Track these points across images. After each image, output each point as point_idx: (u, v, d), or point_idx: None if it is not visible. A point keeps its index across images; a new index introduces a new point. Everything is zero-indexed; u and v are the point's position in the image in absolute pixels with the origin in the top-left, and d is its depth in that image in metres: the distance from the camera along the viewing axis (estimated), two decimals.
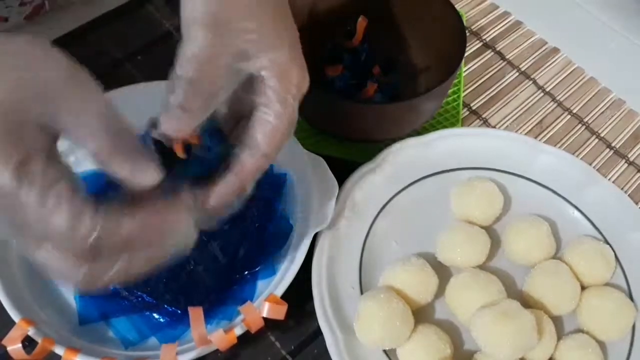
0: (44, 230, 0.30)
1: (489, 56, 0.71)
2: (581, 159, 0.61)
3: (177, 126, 0.36)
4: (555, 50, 0.72)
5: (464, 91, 0.67)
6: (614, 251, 0.54)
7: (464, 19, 0.73)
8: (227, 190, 0.38)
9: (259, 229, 0.53)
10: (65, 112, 0.32)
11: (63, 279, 0.33)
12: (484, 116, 0.66)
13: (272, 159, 0.38)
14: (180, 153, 0.36)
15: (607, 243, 0.55)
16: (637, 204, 0.59)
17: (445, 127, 0.63)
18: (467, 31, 0.69)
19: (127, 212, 0.32)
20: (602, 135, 0.66)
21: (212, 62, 0.36)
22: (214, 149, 0.38)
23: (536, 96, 0.68)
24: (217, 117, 0.40)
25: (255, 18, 0.37)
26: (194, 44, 0.36)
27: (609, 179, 0.61)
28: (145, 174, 0.33)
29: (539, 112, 0.67)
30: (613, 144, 0.65)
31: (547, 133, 0.65)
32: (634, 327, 0.51)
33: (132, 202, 0.33)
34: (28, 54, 0.32)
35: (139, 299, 0.49)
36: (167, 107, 0.36)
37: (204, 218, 0.37)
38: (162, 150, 0.37)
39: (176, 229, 0.34)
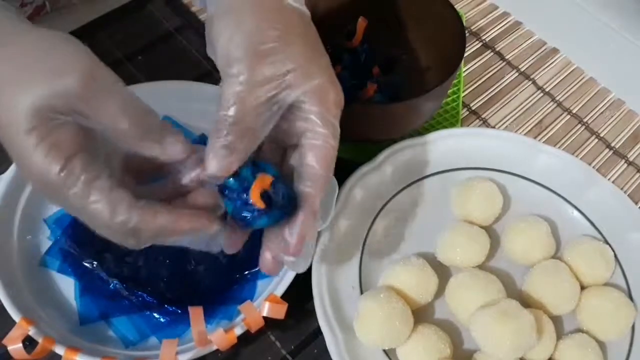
0: (90, 215, 0.34)
1: (488, 56, 0.71)
2: (581, 159, 0.61)
3: (224, 166, 0.36)
4: (555, 51, 0.72)
5: (463, 91, 0.67)
6: (613, 251, 0.54)
7: (464, 20, 0.73)
8: (308, 226, 0.38)
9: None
10: (93, 104, 0.34)
11: (116, 242, 0.36)
12: (483, 116, 0.66)
13: (329, 179, 0.39)
14: (259, 203, 0.37)
15: (607, 243, 0.55)
16: (636, 203, 0.59)
17: (445, 127, 0.63)
18: (466, 31, 0.69)
19: (163, 209, 0.35)
20: (601, 135, 0.66)
21: (254, 99, 0.36)
22: (283, 193, 0.38)
23: (536, 96, 0.68)
24: (266, 154, 0.41)
25: (290, 48, 0.37)
26: (234, 83, 0.36)
27: (609, 179, 0.62)
28: (174, 149, 0.36)
29: (539, 112, 0.67)
30: (612, 144, 0.65)
31: (546, 133, 0.66)
32: (633, 327, 0.51)
33: (175, 188, 0.38)
34: (56, 51, 0.34)
35: (140, 298, 0.49)
36: (213, 148, 0.36)
37: (293, 262, 0.39)
38: (237, 211, 0.37)
39: (200, 231, 0.37)
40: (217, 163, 0.36)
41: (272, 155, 0.42)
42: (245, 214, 0.37)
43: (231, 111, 0.36)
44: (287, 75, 0.37)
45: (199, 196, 0.39)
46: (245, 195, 0.37)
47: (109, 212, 0.34)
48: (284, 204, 0.37)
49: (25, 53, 0.34)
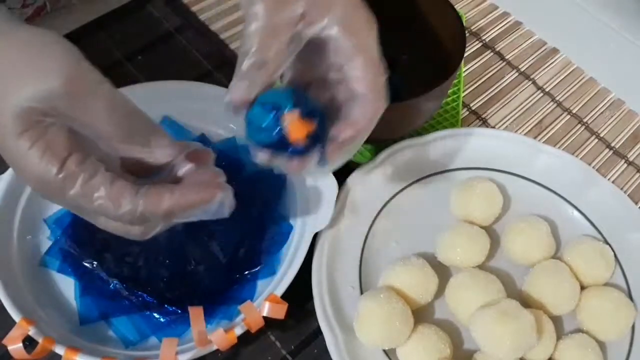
0: (95, 211, 0.35)
1: (488, 56, 0.71)
2: (581, 159, 0.61)
3: (244, 93, 0.37)
4: (555, 51, 0.72)
5: (463, 91, 0.67)
6: (613, 251, 0.54)
7: (464, 20, 0.73)
8: (352, 134, 0.39)
9: (259, 229, 0.53)
10: (76, 106, 0.34)
11: (122, 235, 0.37)
12: (483, 116, 0.66)
13: (383, 103, 0.39)
14: (305, 142, 0.38)
15: (607, 243, 0.55)
16: (636, 204, 0.59)
17: (445, 127, 0.63)
18: (466, 32, 0.69)
19: (166, 190, 0.35)
20: (601, 135, 0.66)
21: (274, 33, 0.37)
22: (316, 109, 0.38)
23: (536, 96, 0.68)
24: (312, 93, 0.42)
25: None
26: (255, 20, 0.37)
27: (609, 179, 0.61)
28: (160, 152, 0.37)
29: (539, 112, 0.67)
30: (612, 144, 0.65)
31: (546, 133, 0.65)
32: (633, 327, 0.51)
33: (174, 181, 0.38)
34: (41, 51, 0.34)
35: (140, 298, 0.49)
36: (236, 77, 0.37)
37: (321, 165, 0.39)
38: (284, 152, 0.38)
39: (209, 202, 0.37)
40: (238, 91, 0.37)
41: (318, 94, 0.41)
42: (292, 154, 0.38)
43: (251, 44, 0.36)
44: (304, 8, 0.37)
45: (196, 176, 0.39)
46: (281, 143, 0.37)
47: (114, 205, 0.34)
48: (320, 126, 0.38)
49: (9, 53, 0.34)
